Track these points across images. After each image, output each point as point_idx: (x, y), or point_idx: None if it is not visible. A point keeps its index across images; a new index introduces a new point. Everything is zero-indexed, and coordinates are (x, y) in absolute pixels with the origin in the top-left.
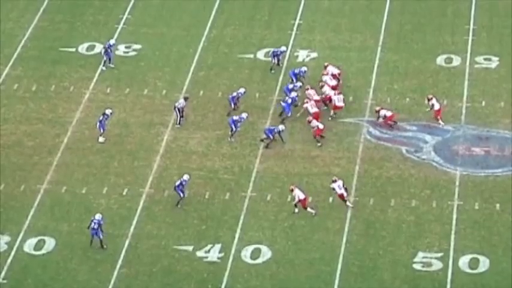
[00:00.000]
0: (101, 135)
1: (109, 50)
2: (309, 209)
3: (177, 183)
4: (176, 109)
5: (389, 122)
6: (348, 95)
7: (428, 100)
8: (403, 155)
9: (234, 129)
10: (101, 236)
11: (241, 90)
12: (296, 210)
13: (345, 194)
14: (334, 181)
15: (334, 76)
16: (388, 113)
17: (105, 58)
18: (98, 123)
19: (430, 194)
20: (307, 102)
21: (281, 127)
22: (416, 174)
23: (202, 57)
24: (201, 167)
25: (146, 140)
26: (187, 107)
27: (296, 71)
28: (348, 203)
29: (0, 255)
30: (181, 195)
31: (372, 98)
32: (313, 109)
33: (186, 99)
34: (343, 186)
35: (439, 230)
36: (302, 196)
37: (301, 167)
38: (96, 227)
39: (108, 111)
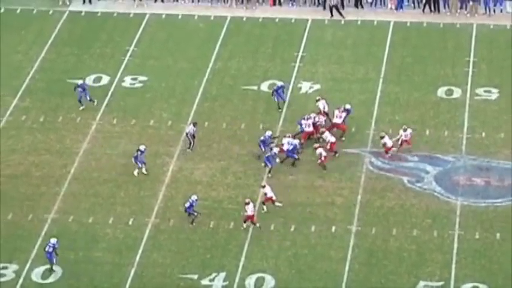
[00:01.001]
0: (140, 169)
1: (80, 89)
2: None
3: (187, 205)
4: (188, 135)
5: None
6: (350, 126)
7: (404, 130)
8: (404, 185)
9: (263, 149)
10: (54, 261)
11: (268, 133)
12: (264, 208)
13: (274, 197)
14: (264, 186)
15: (324, 113)
16: (389, 143)
17: (80, 96)
18: (134, 159)
19: (431, 224)
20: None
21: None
22: (418, 204)
23: (207, 88)
24: (206, 196)
25: (152, 170)
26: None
27: (262, 138)
28: (277, 203)
29: (8, 283)
30: (195, 214)
31: (374, 128)
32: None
33: (195, 124)
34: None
35: (440, 259)
36: (251, 212)
37: (304, 196)
38: (50, 250)
39: (142, 147)
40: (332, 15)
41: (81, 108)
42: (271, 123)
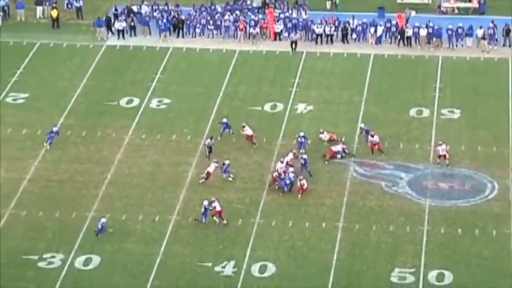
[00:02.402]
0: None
1: (52, 135)
2: (224, 221)
3: (203, 210)
4: (206, 146)
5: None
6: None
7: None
8: (382, 189)
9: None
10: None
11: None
12: (216, 220)
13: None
14: (213, 201)
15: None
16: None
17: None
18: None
19: (404, 221)
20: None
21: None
22: (394, 204)
23: (219, 109)
24: (219, 198)
25: (174, 176)
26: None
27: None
28: (224, 221)
29: (56, 270)
30: (204, 220)
31: (357, 142)
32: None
33: (211, 138)
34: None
35: (412, 250)
36: (219, 208)
37: (300, 198)
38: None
39: (226, 162)
40: (292, 48)
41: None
42: (272, 137)
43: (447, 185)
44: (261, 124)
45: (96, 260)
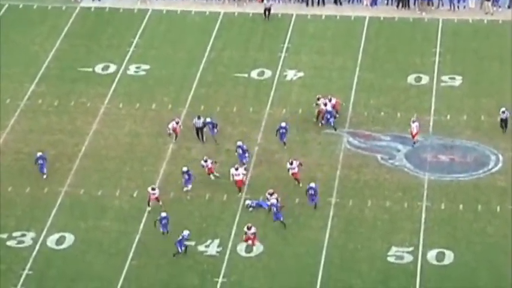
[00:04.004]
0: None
1: (41, 160)
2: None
3: (179, 238)
4: (197, 130)
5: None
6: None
7: (318, 100)
8: (378, 161)
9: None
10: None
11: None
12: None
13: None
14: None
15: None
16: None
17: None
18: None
19: (402, 196)
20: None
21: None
22: (390, 178)
23: (202, 76)
24: (202, 172)
25: (154, 148)
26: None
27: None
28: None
29: (27, 249)
30: (180, 250)
31: (351, 112)
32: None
33: (199, 117)
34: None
35: (410, 227)
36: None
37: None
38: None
39: (184, 168)
40: (265, 16)
41: (44, 176)
42: (260, 106)
43: (448, 158)
44: (248, 92)
45: (69, 238)
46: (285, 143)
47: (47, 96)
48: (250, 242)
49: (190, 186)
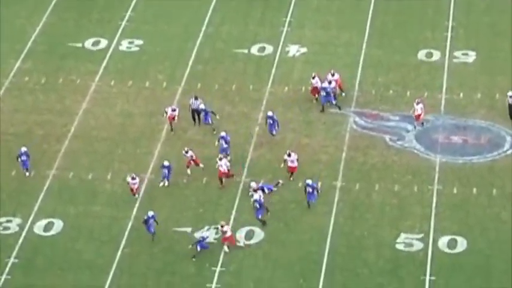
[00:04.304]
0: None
1: (22, 158)
2: (239, 244)
3: (145, 217)
4: (193, 111)
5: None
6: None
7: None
8: (386, 143)
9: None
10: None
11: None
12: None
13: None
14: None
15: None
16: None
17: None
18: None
19: (411, 179)
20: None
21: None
22: (399, 160)
23: (200, 52)
24: (199, 154)
25: (148, 128)
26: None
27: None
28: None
29: (12, 236)
30: (151, 230)
31: (357, 90)
32: None
33: (196, 98)
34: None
35: (420, 212)
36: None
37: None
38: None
39: (166, 163)
40: None
41: (27, 174)
42: (260, 84)
43: (460, 139)
44: (248, 69)
45: (58, 224)
46: (273, 134)
47: (34, 73)
48: (227, 243)
49: (167, 183)
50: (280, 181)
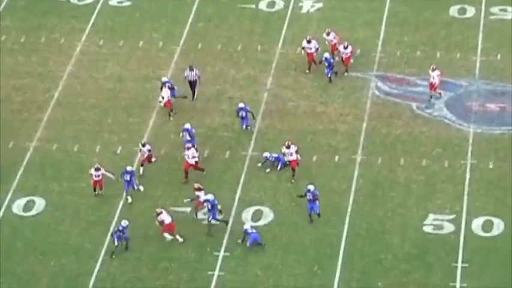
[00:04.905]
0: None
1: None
2: (177, 237)
3: (116, 229)
4: (190, 83)
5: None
6: (355, 48)
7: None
8: (413, 111)
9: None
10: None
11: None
12: (168, 237)
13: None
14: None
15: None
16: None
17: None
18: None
19: (441, 153)
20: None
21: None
22: (427, 131)
23: (201, 7)
24: (200, 123)
25: (141, 95)
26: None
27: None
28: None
29: None
30: (116, 243)
31: (380, 51)
32: None
33: (192, 68)
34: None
35: (451, 190)
36: (168, 220)
37: (306, 124)
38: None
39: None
40: None
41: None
42: (269, 44)
43: (497, 106)
44: (255, 27)
45: (40, 203)
46: (247, 127)
47: (12, 31)
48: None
49: (141, 187)
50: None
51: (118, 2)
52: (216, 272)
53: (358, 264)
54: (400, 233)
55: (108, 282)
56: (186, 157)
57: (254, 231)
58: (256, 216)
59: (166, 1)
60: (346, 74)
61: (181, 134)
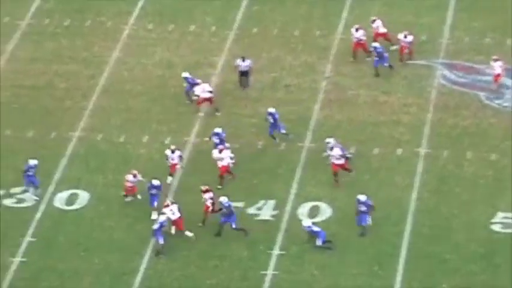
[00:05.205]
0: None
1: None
2: (186, 233)
3: (156, 226)
4: (241, 73)
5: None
6: (420, 34)
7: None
8: (481, 101)
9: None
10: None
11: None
12: (173, 231)
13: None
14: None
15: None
16: None
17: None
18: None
19: (511, 146)
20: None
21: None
22: (497, 123)
23: None
24: (253, 113)
25: None
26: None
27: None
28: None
29: (29, 209)
30: (161, 241)
31: (448, 37)
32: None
33: (244, 59)
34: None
35: None
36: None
37: (366, 114)
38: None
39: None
40: None
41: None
42: (328, 29)
43: None
44: (314, 11)
45: (83, 196)
46: (273, 137)
47: (55, 14)
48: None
49: (155, 204)
50: (349, 155)
51: None
52: (270, 272)
53: (421, 264)
54: (466, 232)
55: (155, 280)
56: (220, 161)
57: (318, 229)
58: (313, 212)
59: None
60: (406, 62)
61: (208, 139)
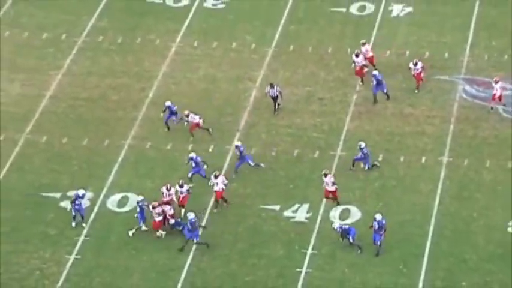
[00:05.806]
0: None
1: (77, 202)
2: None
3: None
4: (272, 99)
5: None
6: (443, 51)
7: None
8: (500, 114)
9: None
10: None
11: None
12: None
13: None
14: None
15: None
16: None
17: (74, 213)
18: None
19: None
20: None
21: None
22: None
23: (293, 10)
24: (290, 124)
25: (233, 95)
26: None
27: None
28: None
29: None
30: (191, 236)
31: (468, 55)
32: None
33: (272, 85)
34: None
35: None
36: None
37: (393, 125)
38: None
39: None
40: None
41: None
42: (359, 47)
43: None
44: (346, 30)
45: (133, 199)
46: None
47: (109, 32)
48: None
49: (143, 225)
50: (376, 163)
51: (212, 4)
52: (304, 269)
53: (443, 263)
54: (485, 234)
55: (198, 277)
56: (215, 186)
57: (347, 226)
58: (344, 215)
59: (259, 3)
60: (416, 91)
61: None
